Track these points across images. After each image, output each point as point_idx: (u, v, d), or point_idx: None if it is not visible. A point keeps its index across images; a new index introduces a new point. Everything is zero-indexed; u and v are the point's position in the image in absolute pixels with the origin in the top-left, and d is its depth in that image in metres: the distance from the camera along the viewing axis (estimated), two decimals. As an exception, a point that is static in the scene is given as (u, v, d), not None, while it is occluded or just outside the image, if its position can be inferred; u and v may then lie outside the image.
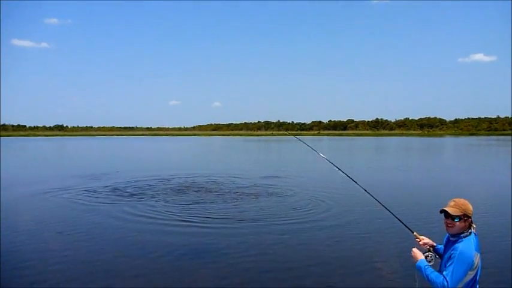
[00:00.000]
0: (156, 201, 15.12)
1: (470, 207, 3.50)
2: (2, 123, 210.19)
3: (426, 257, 3.61)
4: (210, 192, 17.16)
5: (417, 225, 10.70)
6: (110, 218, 12.43)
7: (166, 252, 9.02)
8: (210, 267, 8.11)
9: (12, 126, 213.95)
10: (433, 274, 3.38)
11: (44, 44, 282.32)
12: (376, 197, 4.69)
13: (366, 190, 4.83)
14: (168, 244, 9.64)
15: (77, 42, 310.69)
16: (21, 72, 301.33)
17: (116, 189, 18.12)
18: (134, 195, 16.44)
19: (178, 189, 18.04)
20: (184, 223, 11.65)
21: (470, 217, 3.47)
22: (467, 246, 3.34)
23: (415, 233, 3.96)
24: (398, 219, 4.24)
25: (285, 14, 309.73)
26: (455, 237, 3.49)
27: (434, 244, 3.86)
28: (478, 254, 3.34)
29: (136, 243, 9.80)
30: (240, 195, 16.37)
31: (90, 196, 16.38)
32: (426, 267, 3.47)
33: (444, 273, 3.30)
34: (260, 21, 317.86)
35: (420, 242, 3.87)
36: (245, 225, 11.37)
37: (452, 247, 3.40)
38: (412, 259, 3.65)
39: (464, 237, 3.42)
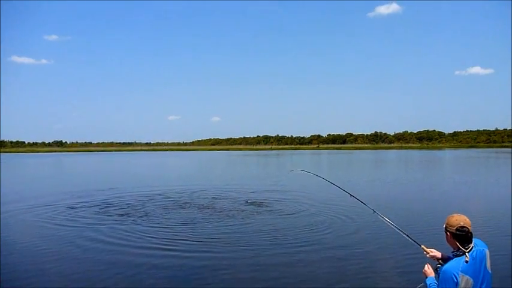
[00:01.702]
0: (143, 220, 14.27)
1: (451, 221, 3.44)
2: (1, 139, 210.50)
3: (436, 270, 3.61)
4: (207, 208, 16.65)
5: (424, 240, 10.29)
6: (91, 239, 11.68)
7: (145, 276, 8.45)
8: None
9: (11, 142, 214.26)
10: None
11: (43, 61, 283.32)
12: (383, 216, 4.75)
13: (374, 210, 5.01)
14: (150, 266, 9.01)
15: (77, 58, 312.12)
16: (20, 88, 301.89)
17: (106, 206, 17.56)
18: (125, 214, 15.73)
19: (171, 206, 17.43)
20: (172, 245, 10.81)
21: (447, 231, 3.46)
22: (450, 265, 3.31)
23: (422, 246, 3.96)
24: (406, 235, 4.31)
25: (284, 28, 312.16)
26: (452, 253, 3.49)
27: (445, 256, 3.74)
28: (466, 276, 3.23)
29: (119, 268, 9.07)
30: (235, 212, 15.85)
31: (74, 214, 15.79)
32: (431, 284, 3.51)
33: None
34: (259, 36, 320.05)
35: (428, 255, 3.85)
36: (234, 248, 10.61)
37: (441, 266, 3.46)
38: (423, 275, 3.69)
39: (455, 256, 3.40)
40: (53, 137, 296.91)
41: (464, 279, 3.21)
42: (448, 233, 3.45)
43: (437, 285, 3.39)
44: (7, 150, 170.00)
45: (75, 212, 16.34)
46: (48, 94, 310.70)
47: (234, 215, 15.22)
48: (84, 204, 18.33)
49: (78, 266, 9.23)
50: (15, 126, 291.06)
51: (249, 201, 18.64)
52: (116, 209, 16.78)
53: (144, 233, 12.26)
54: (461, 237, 3.36)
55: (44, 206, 17.99)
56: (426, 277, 3.63)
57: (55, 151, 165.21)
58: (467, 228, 3.36)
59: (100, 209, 16.99)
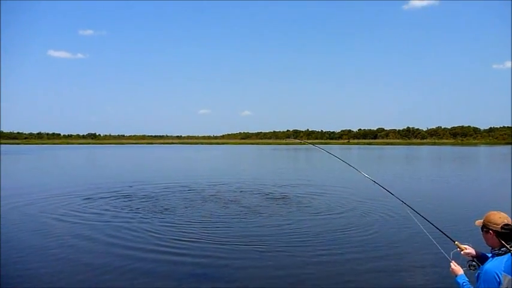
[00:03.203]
0: (161, 215, 14.01)
1: (494, 219, 3.34)
2: (38, 131, 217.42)
3: (469, 266, 3.53)
4: (232, 203, 16.56)
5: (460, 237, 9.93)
6: (100, 235, 11.34)
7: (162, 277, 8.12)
8: None
9: (47, 134, 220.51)
10: None
11: (79, 55, 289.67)
12: (414, 208, 4.56)
13: (403, 202, 4.74)
14: (159, 270, 8.58)
15: (111, 52, 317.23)
16: (57, 82, 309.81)
17: (126, 199, 17.55)
18: (145, 208, 15.69)
19: (194, 200, 17.33)
20: (192, 242, 10.38)
21: (490, 229, 3.33)
22: (493, 265, 3.21)
23: (456, 242, 3.80)
24: (439, 229, 4.17)
25: (315, 21, 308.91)
26: (491, 251, 3.38)
27: (479, 253, 3.64)
28: (509, 276, 3.12)
29: (122, 270, 8.61)
30: (260, 208, 15.75)
31: (89, 206, 15.79)
32: (464, 283, 3.40)
33: None
34: (290, 31, 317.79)
35: (462, 252, 3.71)
36: (254, 250, 10.06)
37: (482, 265, 3.33)
38: (452, 273, 3.58)
39: (497, 255, 3.28)
40: (87, 129, 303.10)
41: (506, 279, 3.12)
42: (490, 231, 3.33)
43: (478, 284, 3.27)
44: (44, 142, 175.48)
45: (92, 203, 16.42)
46: (83, 87, 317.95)
47: (259, 211, 15.00)
48: (104, 195, 18.50)
49: (79, 263, 9.00)
50: (52, 119, 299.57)
51: (276, 196, 18.50)
52: (136, 202, 16.68)
53: (158, 230, 11.76)
54: (506, 235, 3.26)
55: (64, 196, 18.38)
56: (456, 275, 3.53)
57: (89, 143, 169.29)
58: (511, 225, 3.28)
59: (119, 201, 16.97)
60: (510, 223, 3.30)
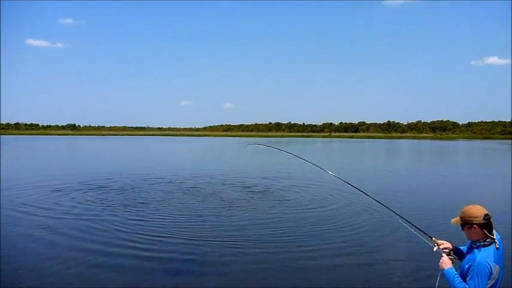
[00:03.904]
0: (132, 209, 13.38)
1: (474, 212, 3.35)
2: (15, 121, 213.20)
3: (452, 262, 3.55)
4: (210, 197, 16.19)
5: (438, 230, 9.87)
6: (63, 230, 10.63)
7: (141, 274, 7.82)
8: None
9: (25, 124, 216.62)
10: (461, 285, 3.29)
11: (59, 44, 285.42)
12: (389, 207, 4.53)
13: (378, 201, 4.70)
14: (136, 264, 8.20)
15: (91, 42, 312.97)
16: (35, 71, 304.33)
17: (98, 191, 16.93)
18: (115, 200, 15.20)
19: (170, 193, 16.89)
20: (153, 242, 9.59)
21: (474, 223, 3.33)
22: (485, 256, 3.24)
23: (433, 239, 3.80)
24: (415, 226, 4.09)
25: (296, 16, 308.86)
26: (475, 244, 3.39)
27: (453, 247, 3.70)
28: (497, 266, 3.23)
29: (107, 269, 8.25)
30: (239, 201, 15.45)
31: (57, 199, 15.08)
32: (456, 276, 3.37)
33: (468, 285, 3.25)
34: (272, 23, 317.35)
35: (441, 247, 3.71)
36: (228, 245, 9.85)
37: (472, 257, 3.32)
38: (441, 265, 3.53)
39: (483, 246, 3.31)
40: (66, 120, 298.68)
41: (495, 269, 3.22)
42: (474, 226, 3.33)
43: (470, 277, 3.25)
44: (22, 132, 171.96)
45: (61, 195, 15.84)
46: (63, 77, 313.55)
47: (237, 204, 14.64)
48: (77, 187, 17.86)
49: (36, 257, 8.58)
50: (30, 109, 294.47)
51: (256, 189, 18.25)
52: (110, 195, 16.05)
53: (128, 225, 11.18)
54: (488, 225, 3.33)
55: (33, 187, 17.79)
56: (445, 267, 3.48)
57: (68, 134, 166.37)
58: (490, 215, 3.34)
59: (92, 193, 16.34)
60: (487, 212, 3.35)
